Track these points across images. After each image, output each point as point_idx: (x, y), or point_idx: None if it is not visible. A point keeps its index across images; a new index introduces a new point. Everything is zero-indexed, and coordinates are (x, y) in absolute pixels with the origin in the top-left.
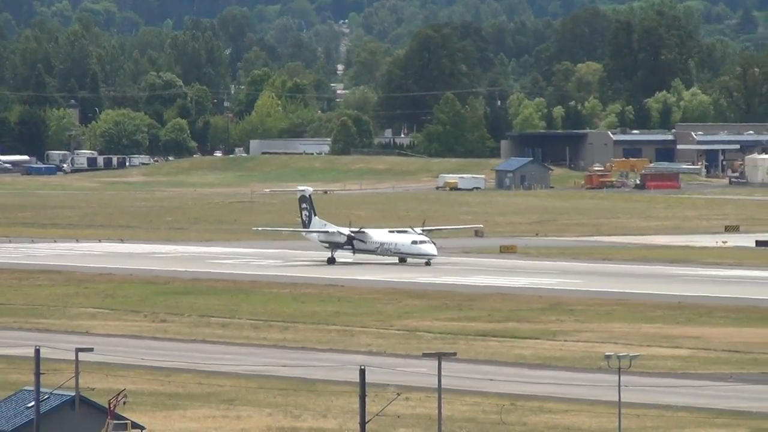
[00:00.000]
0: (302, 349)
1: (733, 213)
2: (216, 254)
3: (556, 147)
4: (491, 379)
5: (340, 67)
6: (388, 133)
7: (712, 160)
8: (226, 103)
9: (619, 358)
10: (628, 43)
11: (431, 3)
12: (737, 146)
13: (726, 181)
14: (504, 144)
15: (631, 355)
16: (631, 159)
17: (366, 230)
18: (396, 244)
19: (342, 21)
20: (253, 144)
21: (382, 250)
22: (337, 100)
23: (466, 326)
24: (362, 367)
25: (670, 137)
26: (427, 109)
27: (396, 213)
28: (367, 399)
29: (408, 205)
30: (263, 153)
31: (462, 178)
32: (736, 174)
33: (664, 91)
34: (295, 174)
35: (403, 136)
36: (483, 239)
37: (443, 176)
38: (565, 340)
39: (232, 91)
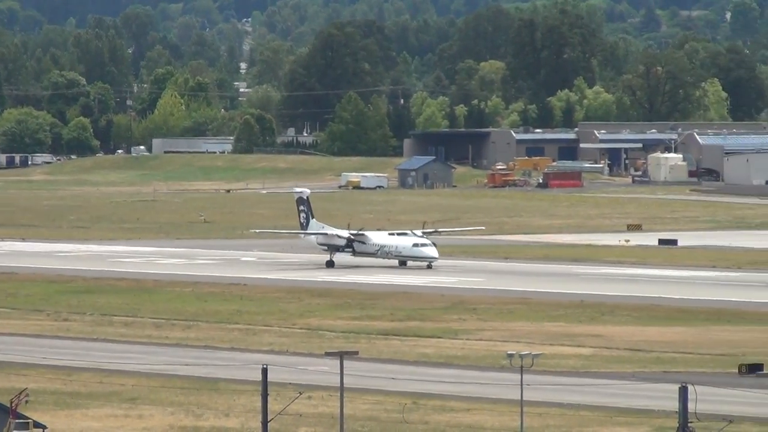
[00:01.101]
0: (205, 347)
1: (635, 212)
2: (119, 253)
3: (458, 146)
4: (393, 378)
5: (243, 65)
6: (291, 131)
7: (614, 158)
8: (129, 102)
9: (521, 356)
10: (531, 42)
11: (334, 1)
12: (640, 145)
13: (629, 179)
14: (407, 143)
15: (533, 353)
16: (533, 158)
17: (366, 233)
18: (397, 246)
19: (245, 19)
20: (156, 143)
21: (383, 252)
22: (240, 98)
23: (369, 325)
24: (264, 366)
25: (572, 136)
26: (330, 107)
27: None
28: (269, 398)
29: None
30: (166, 152)
31: (365, 176)
32: (639, 173)
33: (567, 90)
34: (197, 173)
35: (306, 134)
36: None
37: (346, 175)
38: (468, 339)
39: (135, 90)
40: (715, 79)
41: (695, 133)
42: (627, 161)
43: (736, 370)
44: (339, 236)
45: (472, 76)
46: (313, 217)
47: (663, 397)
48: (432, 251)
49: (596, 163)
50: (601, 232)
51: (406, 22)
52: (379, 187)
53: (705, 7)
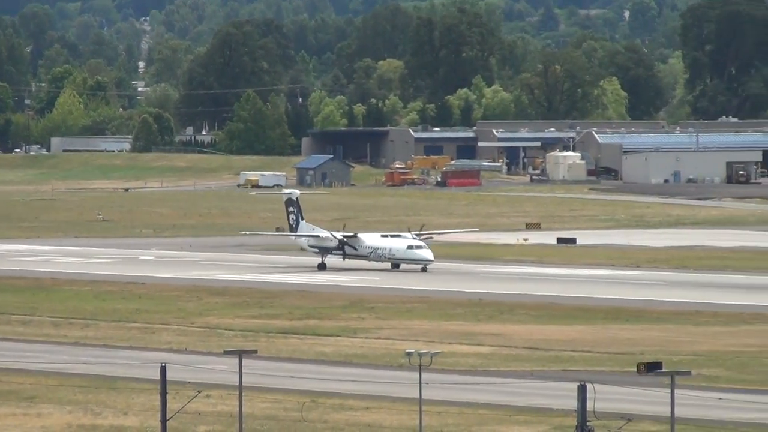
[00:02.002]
0: (103, 346)
1: (534, 210)
2: (17, 252)
3: (357, 144)
4: (292, 377)
5: (141, 64)
6: (190, 130)
7: (513, 157)
8: (27, 101)
9: (419, 355)
10: (429, 41)
11: (232, 0)
12: (538, 144)
13: (527, 178)
14: (305, 141)
15: (432, 352)
16: (432, 156)
17: (359, 235)
18: (390, 249)
19: (143, 18)
20: (54, 142)
21: (375, 255)
22: (139, 97)
23: (267, 323)
24: (163, 365)
25: (471, 135)
26: (229, 106)
27: (197, 210)
28: (168, 396)
29: (210, 202)
30: (64, 150)
31: (263, 175)
32: (537, 171)
33: (466, 89)
34: (96, 171)
35: (204, 133)
36: (284, 237)
37: (244, 174)
38: (367, 338)
39: (33, 89)
40: (614, 77)
41: (594, 132)
42: (525, 160)
43: (635, 369)
44: (331, 238)
45: (371, 75)
46: (302, 219)
47: (562, 395)
48: (427, 253)
49: (495, 162)
50: (500, 231)
51: (305, 21)
52: (278, 185)
53: (603, 6)
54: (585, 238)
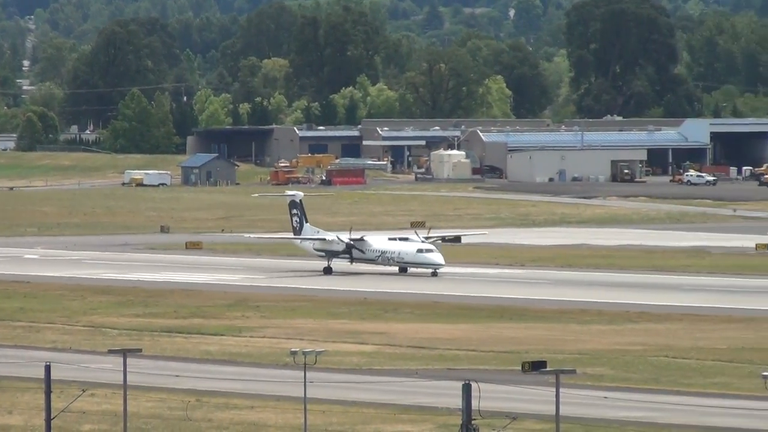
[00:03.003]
0: None
1: (419, 209)
2: None
3: (241, 143)
4: (177, 376)
5: (26, 63)
6: (74, 129)
7: (398, 155)
8: None
9: (304, 353)
10: (314, 39)
11: None
12: (423, 142)
13: (412, 177)
14: (190, 140)
15: (316, 350)
16: (316, 155)
17: (366, 238)
18: (399, 252)
19: (28, 17)
20: None
21: (383, 259)
22: (23, 96)
23: (152, 322)
24: (47, 364)
25: (356, 133)
26: (114, 105)
27: (82, 209)
28: (52, 395)
29: (94, 201)
30: None
31: (147, 174)
32: (422, 170)
33: (351, 87)
34: None
35: (89, 132)
36: (169, 235)
37: (129, 172)
38: (251, 336)
39: None
40: (499, 76)
41: (478, 131)
42: (410, 158)
43: (520, 368)
44: (338, 241)
45: (255, 74)
46: (306, 221)
47: (446, 394)
48: (438, 257)
49: (379, 161)
50: (385, 230)
51: (189, 20)
52: (162, 184)
53: (488, 5)
54: (469, 237)
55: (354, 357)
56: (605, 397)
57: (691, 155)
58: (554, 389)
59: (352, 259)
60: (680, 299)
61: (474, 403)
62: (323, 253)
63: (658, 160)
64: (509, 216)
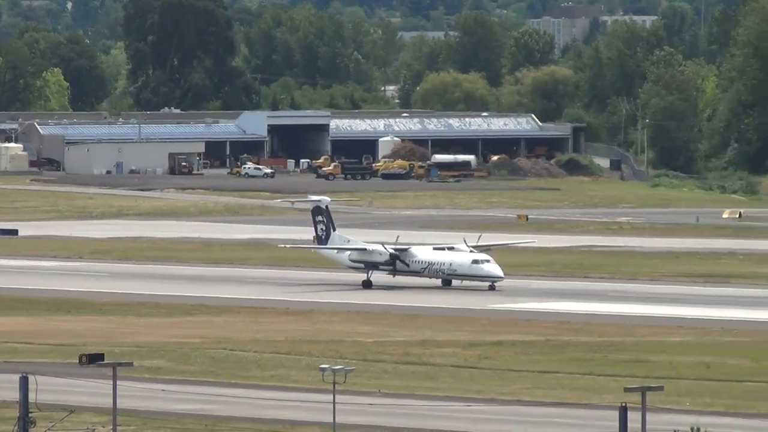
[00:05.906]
0: None
1: None
2: None
3: None
4: None
5: None
6: None
7: None
8: None
9: None
10: None
11: None
12: None
13: None
14: None
15: None
16: None
17: (411, 248)
18: (451, 264)
19: None
20: None
21: (431, 271)
22: None
23: None
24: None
25: None
26: None
27: None
28: None
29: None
30: None
31: None
32: None
33: None
34: None
35: None
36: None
37: None
38: None
39: None
40: (57, 68)
41: (36, 123)
42: None
43: (77, 360)
44: (380, 252)
45: None
46: (334, 230)
47: (4, 387)
48: (496, 269)
49: None
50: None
51: None
52: None
53: None
54: (27, 229)
55: None
56: (163, 390)
57: (249, 148)
58: (111, 382)
59: (396, 272)
60: (239, 292)
61: (31, 396)
62: (362, 265)
63: (217, 152)
64: (67, 208)
